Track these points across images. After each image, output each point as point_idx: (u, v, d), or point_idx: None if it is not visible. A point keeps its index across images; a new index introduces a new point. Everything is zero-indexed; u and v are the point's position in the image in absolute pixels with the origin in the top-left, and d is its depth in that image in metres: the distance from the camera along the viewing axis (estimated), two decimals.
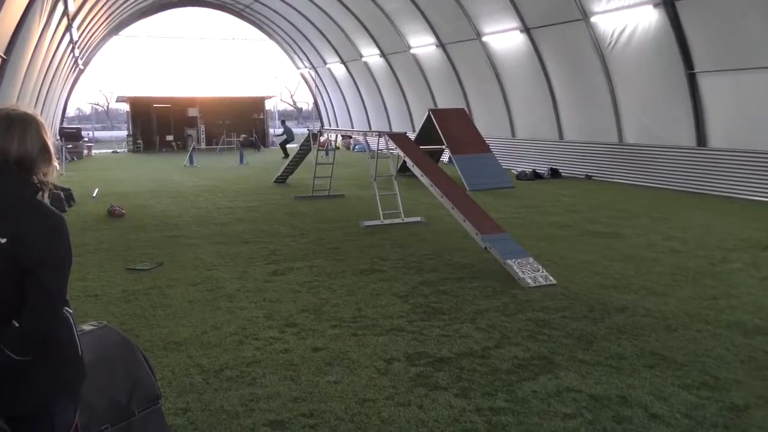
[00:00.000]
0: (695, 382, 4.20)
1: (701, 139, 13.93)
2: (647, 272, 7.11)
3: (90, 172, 21.25)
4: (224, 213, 12.03)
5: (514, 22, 18.04)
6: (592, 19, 15.50)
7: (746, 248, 8.26)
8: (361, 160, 21.29)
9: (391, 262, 7.84)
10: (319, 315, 5.79)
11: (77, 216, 11.79)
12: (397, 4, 22.57)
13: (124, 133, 40.15)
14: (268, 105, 40.90)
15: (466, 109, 20.40)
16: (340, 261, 7.94)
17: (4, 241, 1.91)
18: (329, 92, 34.88)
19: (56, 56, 19.43)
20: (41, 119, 2.13)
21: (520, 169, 18.14)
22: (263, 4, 31.96)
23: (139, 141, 33.91)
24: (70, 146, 27.38)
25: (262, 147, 33.07)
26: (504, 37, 18.92)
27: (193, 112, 34.89)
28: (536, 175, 17.23)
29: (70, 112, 50.22)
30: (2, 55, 10.70)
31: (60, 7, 14.65)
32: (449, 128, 16.19)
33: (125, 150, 34.55)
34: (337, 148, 26.26)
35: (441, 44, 22.10)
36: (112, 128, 64.38)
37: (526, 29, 17.74)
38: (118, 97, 39.16)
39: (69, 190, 13.51)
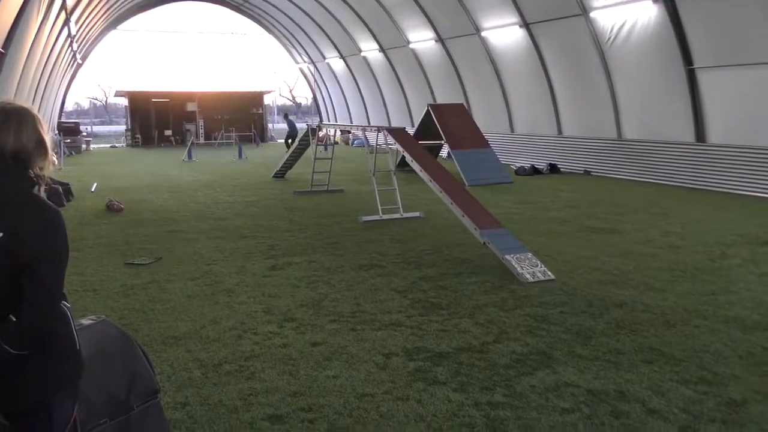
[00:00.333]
0: (693, 377, 4.21)
1: (700, 134, 13.94)
2: (646, 268, 7.12)
3: (88, 167, 21.23)
4: (223, 208, 12.02)
5: (513, 17, 18.02)
6: (592, 15, 15.48)
7: (745, 244, 8.27)
8: (360, 155, 21.28)
9: (389, 257, 7.84)
10: (317, 310, 5.79)
11: (76, 211, 11.78)
12: None
13: (122, 128, 40.15)
14: (267, 100, 40.88)
15: (465, 104, 20.39)
16: (339, 256, 7.94)
17: (0, 236, 1.90)
18: (328, 87, 34.83)
19: (54, 50, 19.38)
20: (37, 113, 2.12)
21: (518, 165, 18.15)
22: None
23: (138, 136, 33.87)
24: (69, 141, 27.35)
25: (260, 142, 33.02)
26: (503, 32, 18.90)
27: (191, 106, 34.85)
28: (535, 171, 17.24)
29: (69, 106, 50.14)
30: (0, 49, 10.67)
31: (58, 1, 14.61)
32: (448, 123, 16.19)
33: (124, 145, 34.52)
34: (336, 143, 26.24)
35: (440, 39, 22.06)
36: (110, 123, 64.30)
37: (526, 24, 17.72)
38: (116, 91, 39.12)
39: (67, 184, 13.50)
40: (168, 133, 34.30)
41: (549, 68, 17.82)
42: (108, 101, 70.14)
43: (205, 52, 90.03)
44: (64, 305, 2.08)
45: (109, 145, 34.59)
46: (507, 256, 6.94)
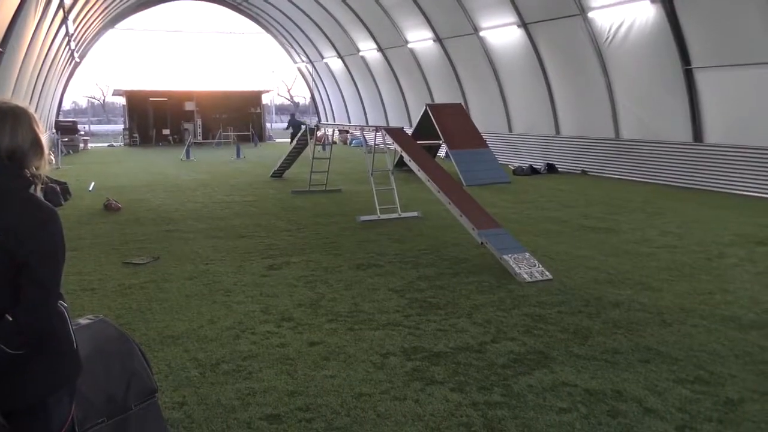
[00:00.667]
0: (690, 376, 4.22)
1: (697, 134, 13.96)
2: (643, 267, 7.14)
3: (86, 166, 21.20)
4: (221, 207, 12.02)
5: (511, 17, 18.03)
6: (590, 15, 15.49)
7: (742, 243, 8.29)
8: (358, 154, 21.27)
9: (387, 256, 7.85)
10: (315, 309, 5.80)
11: (73, 210, 11.77)
12: None
13: (120, 127, 40.12)
14: (265, 99, 40.86)
15: (463, 104, 20.40)
16: (337, 256, 7.94)
17: None
18: (326, 86, 34.82)
19: (52, 49, 19.34)
20: (33, 112, 2.12)
21: (516, 165, 18.16)
22: None
23: (136, 135, 33.83)
24: (66, 140, 27.31)
25: (259, 141, 33.00)
26: (501, 32, 18.91)
27: (189, 105, 34.81)
28: (533, 171, 17.25)
29: (66, 105, 50.01)
30: None
31: (55, 0, 14.58)
32: (446, 123, 16.20)
33: (121, 144, 34.48)
34: (334, 142, 26.22)
35: (438, 39, 22.07)
36: (108, 122, 64.19)
37: (524, 24, 17.73)
38: (114, 90, 39.11)
39: (65, 183, 13.48)
40: (166, 132, 34.27)
41: (547, 68, 17.84)
42: (106, 100, 70.04)
43: (204, 51, 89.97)
44: (61, 305, 2.08)
45: (106, 144, 34.55)
46: (505, 256, 6.95)
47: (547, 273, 6.71)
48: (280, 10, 31.97)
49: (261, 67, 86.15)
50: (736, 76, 12.85)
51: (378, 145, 11.56)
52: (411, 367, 4.44)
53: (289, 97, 72.73)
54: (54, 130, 27.47)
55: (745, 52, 12.41)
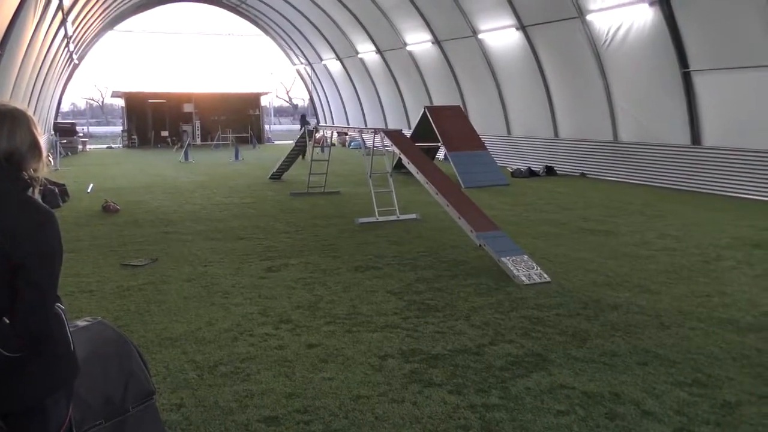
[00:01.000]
0: (688, 379, 4.22)
1: (695, 137, 13.98)
2: (641, 270, 7.14)
3: (84, 168, 21.19)
4: (219, 209, 12.01)
5: (509, 20, 18.05)
6: (588, 17, 15.52)
7: (740, 246, 8.30)
8: (357, 156, 21.27)
9: (386, 259, 7.85)
10: (313, 311, 5.79)
11: (71, 211, 11.76)
12: (394, 1, 22.56)
13: (119, 129, 40.12)
14: (264, 101, 40.87)
15: (461, 106, 20.42)
16: (335, 258, 7.94)
17: None
18: (325, 89, 34.84)
19: (51, 51, 19.34)
20: (31, 115, 2.12)
21: (515, 167, 18.18)
22: None
23: (134, 136, 33.84)
24: (65, 141, 27.31)
25: (257, 143, 32.99)
26: (500, 35, 18.93)
27: (188, 107, 34.83)
28: (531, 173, 17.27)
29: (65, 107, 50.07)
30: None
31: (55, 2, 14.59)
32: (445, 125, 16.20)
33: (120, 145, 34.49)
34: (333, 144, 26.21)
35: (437, 41, 22.09)
36: (107, 123, 64.22)
37: (522, 27, 17.75)
38: (113, 92, 39.13)
39: (63, 185, 13.48)
40: (164, 134, 34.27)
41: (545, 71, 17.86)
42: (104, 102, 70.06)
43: (202, 53, 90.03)
44: (58, 307, 2.08)
45: (105, 146, 34.53)
46: (503, 258, 6.96)
47: (546, 275, 6.72)
48: (279, 12, 32.00)
49: (260, 69, 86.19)
50: (734, 79, 12.87)
51: (376, 147, 11.57)
52: (409, 370, 4.44)
53: (287, 99, 72.77)
54: (52, 132, 27.45)
55: (743, 55, 12.43)
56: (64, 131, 29.11)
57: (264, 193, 14.34)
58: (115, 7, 29.01)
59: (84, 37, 28.38)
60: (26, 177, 2.05)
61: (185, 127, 34.05)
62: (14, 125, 2.04)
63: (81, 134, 33.88)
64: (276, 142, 36.40)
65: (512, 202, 12.51)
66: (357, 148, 27.31)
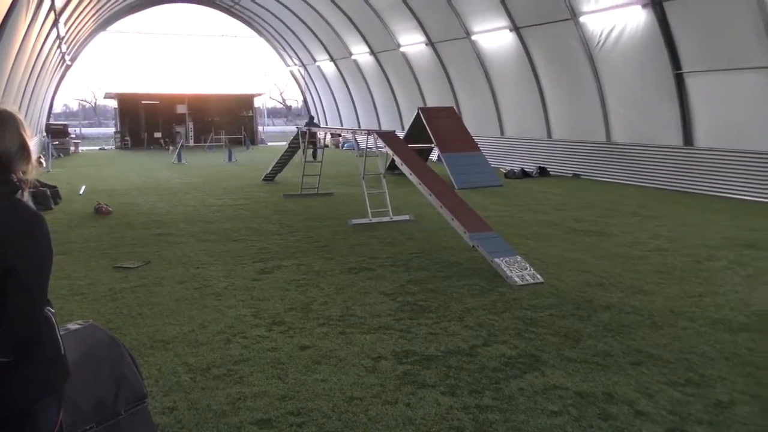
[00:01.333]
0: (680, 379, 4.24)
1: (688, 138, 14.04)
2: (634, 270, 7.16)
3: (77, 169, 21.10)
4: (212, 211, 11.98)
5: (503, 21, 18.09)
6: (581, 19, 15.56)
7: (731, 246, 8.34)
8: (350, 158, 21.27)
9: (379, 260, 7.84)
10: (306, 313, 5.78)
11: (63, 214, 11.71)
12: (387, 2, 22.57)
13: (111, 130, 39.97)
14: (258, 102, 40.81)
15: (455, 107, 20.45)
16: (329, 259, 7.93)
17: None
18: (318, 90, 34.82)
19: (43, 52, 19.25)
20: (20, 117, 2.11)
21: (508, 168, 18.20)
22: (253, 0, 31.85)
23: (127, 138, 33.73)
24: (57, 143, 27.18)
25: (251, 145, 32.94)
26: (493, 36, 18.97)
27: (181, 109, 34.75)
28: (525, 174, 17.29)
29: (57, 108, 49.83)
30: None
31: (47, 2, 14.52)
32: (438, 127, 16.21)
33: (113, 147, 34.37)
34: (326, 146, 26.21)
35: (430, 43, 22.12)
36: (99, 125, 64.02)
37: (516, 28, 17.79)
38: (105, 93, 38.95)
39: (55, 187, 13.41)
40: (157, 135, 34.18)
41: (539, 72, 17.90)
42: (97, 103, 69.85)
43: (196, 54, 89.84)
44: (48, 311, 2.06)
45: (98, 148, 34.42)
46: (496, 259, 6.96)
47: (539, 276, 6.73)
48: (273, 14, 31.97)
49: (253, 70, 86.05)
50: (725, 80, 12.93)
51: (370, 148, 11.57)
52: (402, 371, 4.44)
53: (281, 101, 72.70)
54: (45, 134, 27.32)
55: (735, 57, 12.50)
56: (56, 133, 28.98)
57: (257, 195, 14.32)
58: (108, 7, 28.91)
59: (76, 38, 28.27)
60: (15, 180, 2.03)
61: (178, 129, 33.98)
62: (3, 127, 2.02)
63: (73, 136, 33.74)
64: (269, 144, 36.35)
65: (505, 203, 12.52)
66: (350, 149, 27.30)
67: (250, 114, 37.13)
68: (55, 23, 17.69)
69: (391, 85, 26.35)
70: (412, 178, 9.22)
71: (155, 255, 8.23)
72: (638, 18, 14.17)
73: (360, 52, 27.46)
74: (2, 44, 11.15)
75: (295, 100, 66.08)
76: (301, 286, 6.72)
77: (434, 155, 18.86)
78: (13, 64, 13.61)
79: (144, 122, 34.26)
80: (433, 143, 16.20)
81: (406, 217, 10.68)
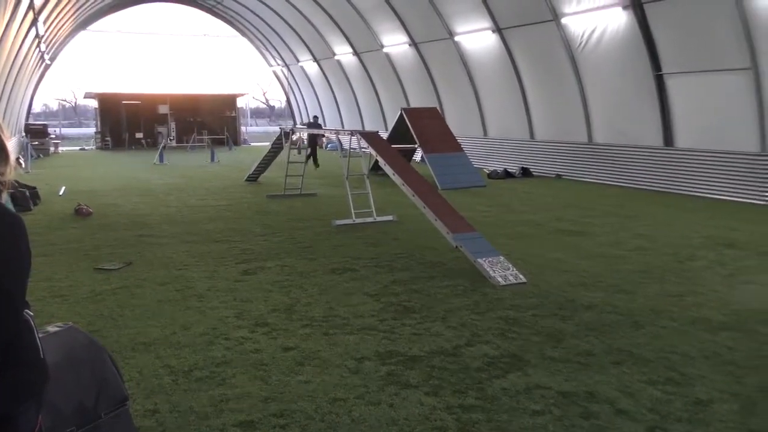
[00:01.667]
0: (661, 377, 4.28)
1: (668, 139, 14.19)
2: (615, 270, 7.23)
3: (56, 170, 20.85)
4: (195, 211, 11.90)
5: (486, 22, 18.17)
6: (563, 20, 15.68)
7: (712, 246, 8.44)
8: (334, 158, 21.23)
9: (362, 261, 7.84)
10: (290, 314, 5.76)
11: (43, 215, 11.57)
12: (370, 3, 22.57)
13: (92, 130, 39.56)
14: (240, 102, 40.64)
15: (438, 108, 20.50)
16: (312, 260, 7.91)
17: None
18: (302, 90, 34.73)
19: (21, 51, 19.01)
20: None
21: (491, 168, 18.28)
22: (235, 0, 31.70)
23: (108, 138, 33.40)
24: (36, 143, 26.86)
25: (233, 145, 32.77)
26: (476, 37, 19.04)
27: (163, 109, 34.48)
28: (507, 174, 17.38)
29: (36, 108, 49.25)
30: None
31: (25, 1, 14.35)
32: (422, 127, 16.22)
33: (93, 147, 34.01)
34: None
35: (414, 43, 22.15)
36: (79, 125, 63.34)
37: (498, 29, 17.88)
38: (85, 93, 38.54)
39: (34, 188, 13.24)
40: (139, 135, 33.88)
41: (521, 73, 18.00)
42: (77, 103, 69.13)
43: (178, 54, 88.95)
44: (27, 314, 2.04)
45: (78, 148, 34.04)
46: (479, 260, 6.99)
47: (521, 276, 6.76)
48: (256, 14, 31.84)
49: (236, 70, 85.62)
50: (705, 81, 13.10)
51: (353, 149, 11.56)
52: (386, 372, 4.44)
53: (264, 101, 72.45)
54: (23, 134, 26.97)
55: (714, 59, 12.66)
56: (36, 133, 28.62)
57: (240, 196, 14.25)
58: (88, 6, 28.60)
59: (56, 37, 27.95)
60: None
61: (160, 129, 33.71)
62: None
63: (53, 136, 33.35)
64: (252, 144, 36.19)
65: (488, 204, 12.58)
66: (334, 149, 27.26)
67: (233, 114, 36.93)
68: (34, 22, 17.48)
69: (375, 85, 26.35)
70: (396, 178, 9.22)
71: (137, 256, 8.16)
72: (619, 19, 14.30)
73: (343, 53, 27.44)
74: None
75: (278, 101, 65.92)
76: (285, 287, 6.70)
77: (418, 156, 18.89)
78: None
79: (125, 122, 33.93)
80: (416, 144, 16.22)
81: (390, 217, 10.69)
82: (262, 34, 34.46)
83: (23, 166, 20.89)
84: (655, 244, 8.64)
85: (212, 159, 23.99)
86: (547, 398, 3.98)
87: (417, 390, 4.13)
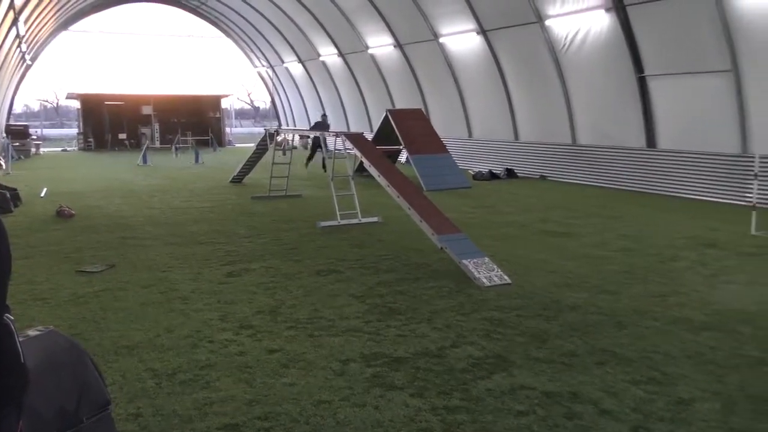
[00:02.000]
0: (644, 377, 4.31)
1: (651, 140, 14.32)
2: (599, 271, 7.28)
3: (38, 171, 20.62)
4: (179, 213, 11.82)
5: (470, 24, 18.23)
6: (547, 23, 15.77)
7: (694, 246, 8.53)
8: (319, 160, 21.17)
9: (348, 262, 7.83)
10: (275, 316, 5.74)
11: (24, 217, 11.43)
12: (355, 4, 22.57)
13: (74, 131, 39.17)
14: (225, 103, 40.43)
15: (423, 109, 20.53)
16: (297, 262, 7.89)
17: None
18: (287, 91, 34.65)
19: (1, 51, 18.80)
20: None
21: (476, 170, 18.34)
22: (219, 1, 31.55)
23: (90, 139, 33.10)
24: (17, 144, 26.57)
25: (218, 146, 32.61)
26: (461, 39, 19.10)
27: (147, 110, 34.24)
28: (492, 176, 17.45)
29: (17, 108, 48.68)
30: None
31: (5, 1, 14.18)
32: (407, 128, 16.23)
33: (76, 148, 33.69)
34: (295, 147, 26.01)
35: (399, 44, 22.18)
36: (61, 126, 62.72)
37: (483, 31, 17.95)
38: (68, 93, 38.14)
39: (15, 189, 13.10)
40: (122, 136, 33.61)
41: (506, 74, 18.09)
42: (59, 104, 68.45)
43: (161, 54, 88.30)
44: (7, 317, 2.01)
45: (60, 149, 33.71)
46: (464, 261, 7.00)
47: (506, 277, 6.79)
48: (240, 14, 31.71)
49: (221, 71, 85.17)
50: (686, 83, 13.25)
51: (338, 150, 11.54)
52: (371, 373, 4.43)
53: (249, 102, 72.19)
54: (4, 135, 26.66)
55: (696, 61, 12.80)
56: (17, 134, 28.32)
57: (225, 197, 14.17)
58: (69, 6, 28.33)
59: (37, 37, 27.66)
60: None
61: (144, 130, 33.46)
62: None
63: (34, 137, 32.98)
64: (237, 145, 36.03)
65: (474, 205, 12.62)
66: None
67: (218, 115, 36.75)
68: (15, 22, 17.29)
69: (360, 86, 26.34)
70: (381, 180, 9.22)
71: (120, 258, 8.09)
72: (602, 22, 14.42)
73: (328, 54, 27.40)
74: None
75: (263, 102, 65.67)
76: (270, 289, 6.67)
77: (403, 157, 18.91)
78: None
79: (108, 123, 33.65)
80: (401, 145, 16.23)
81: (375, 219, 10.69)
82: (247, 35, 34.34)
83: (4, 167, 20.65)
84: (639, 244, 8.71)
85: (196, 160, 23.85)
86: (531, 399, 4.00)
87: (402, 391, 4.13)
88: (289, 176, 13.83)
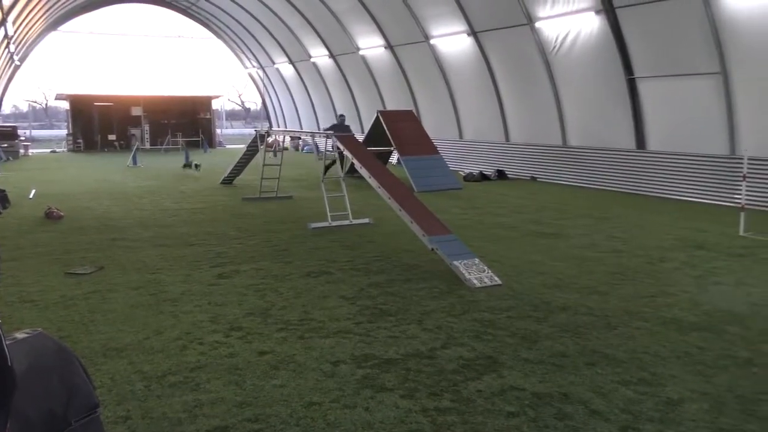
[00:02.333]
0: (633, 378, 4.33)
1: (640, 142, 14.40)
2: (589, 272, 7.30)
3: (26, 173, 20.49)
4: (169, 215, 11.77)
5: (461, 26, 18.27)
6: (537, 24, 15.83)
7: (682, 247, 8.58)
8: (310, 161, 21.18)
9: (338, 264, 7.82)
10: (265, 318, 5.73)
11: (12, 219, 11.35)
12: (346, 5, 22.57)
13: (63, 132, 38.94)
14: (216, 104, 40.30)
15: (414, 110, 20.56)
16: (288, 263, 7.87)
17: None
18: (278, 92, 34.59)
19: None
20: None
21: (467, 171, 18.38)
22: (209, 1, 31.47)
23: (80, 140, 32.91)
24: (6, 145, 26.42)
25: (208, 147, 32.49)
26: (451, 40, 19.14)
27: (136, 111, 34.07)
28: (483, 177, 17.48)
29: (6, 109, 48.38)
30: None
31: None
32: (398, 130, 16.27)
33: (65, 149, 33.49)
34: (286, 149, 25.98)
35: (389, 46, 22.19)
36: (51, 127, 62.33)
37: (473, 33, 17.99)
38: (57, 94, 37.91)
39: (3, 191, 13.00)
40: (112, 137, 33.44)
41: (496, 76, 18.14)
42: (48, 104, 68.02)
43: (152, 55, 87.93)
44: None
45: (49, 150, 33.50)
46: (455, 262, 7.01)
47: (497, 278, 6.80)
48: (231, 15, 31.63)
49: (211, 72, 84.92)
50: (676, 86, 13.33)
51: (329, 151, 11.53)
52: (361, 375, 4.43)
53: (240, 103, 72.03)
54: None
55: (685, 63, 12.89)
56: (5, 135, 28.12)
57: (215, 198, 14.13)
58: (58, 7, 28.17)
59: (26, 37, 27.47)
60: None
61: (134, 131, 33.30)
62: None
63: (23, 138, 32.78)
64: (228, 146, 35.92)
65: (464, 206, 12.64)
66: (310, 152, 27.18)
67: (208, 116, 36.63)
68: (3, 22, 17.17)
69: (351, 88, 26.34)
70: (372, 181, 9.22)
71: (109, 260, 8.04)
72: (592, 24, 14.49)
73: (319, 55, 27.38)
74: None
75: (254, 103, 65.52)
76: (260, 290, 6.65)
77: (394, 158, 18.92)
78: None
79: (98, 124, 33.46)
80: (392, 146, 16.25)
81: (366, 220, 10.68)
82: (238, 36, 34.26)
83: None
84: (628, 245, 8.75)
85: (186, 161, 23.71)
86: (521, 399, 4.01)
87: (392, 393, 4.13)
88: (280, 178, 13.80)
